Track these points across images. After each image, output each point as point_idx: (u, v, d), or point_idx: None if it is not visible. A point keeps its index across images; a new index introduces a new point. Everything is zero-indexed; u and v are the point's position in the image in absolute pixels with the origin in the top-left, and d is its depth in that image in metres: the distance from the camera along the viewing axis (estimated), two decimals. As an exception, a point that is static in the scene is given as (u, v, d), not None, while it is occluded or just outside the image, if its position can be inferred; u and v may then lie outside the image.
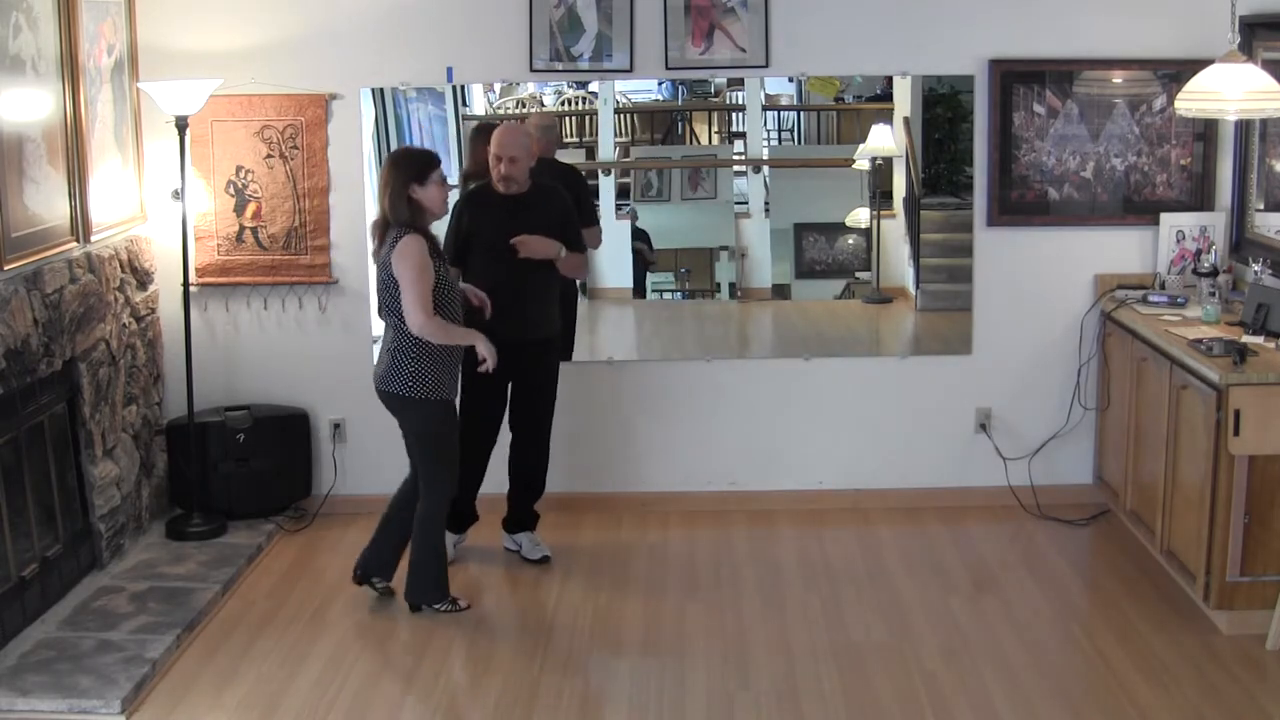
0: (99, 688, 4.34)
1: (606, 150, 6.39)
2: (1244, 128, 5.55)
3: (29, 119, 4.80)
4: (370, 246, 4.94)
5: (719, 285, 6.56)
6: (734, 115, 6.53)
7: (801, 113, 6.59)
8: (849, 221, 6.40)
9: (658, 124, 6.69)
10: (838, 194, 6.40)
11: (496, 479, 5.45)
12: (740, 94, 6.39)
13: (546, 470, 5.52)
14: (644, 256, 6.39)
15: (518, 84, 6.25)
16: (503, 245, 5.10)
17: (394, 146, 5.94)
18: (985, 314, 5.96)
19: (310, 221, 5.86)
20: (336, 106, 5.81)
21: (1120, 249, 5.88)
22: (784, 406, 6.03)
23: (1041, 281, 5.91)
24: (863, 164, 6.29)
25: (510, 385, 5.33)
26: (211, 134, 5.78)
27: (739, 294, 6.48)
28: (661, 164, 6.50)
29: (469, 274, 5.17)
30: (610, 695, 4.45)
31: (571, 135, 6.50)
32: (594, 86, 6.25)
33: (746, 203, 6.50)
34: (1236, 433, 4.55)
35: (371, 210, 5.80)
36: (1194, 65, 4.95)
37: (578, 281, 5.80)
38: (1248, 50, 5.14)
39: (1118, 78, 5.77)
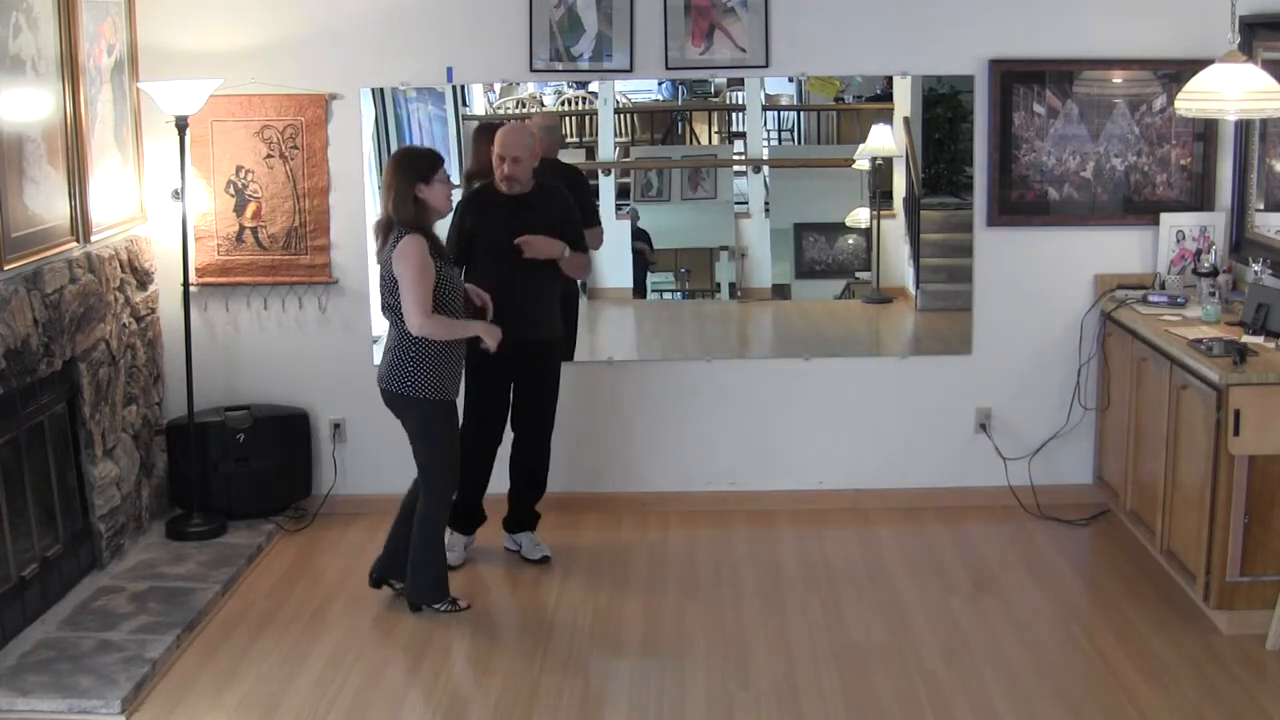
0: (99, 688, 4.34)
1: (606, 150, 6.38)
2: (1244, 128, 5.55)
3: (29, 119, 4.80)
4: (373, 246, 4.95)
5: (719, 285, 6.55)
6: (734, 115, 6.52)
7: (801, 113, 6.58)
8: (849, 221, 6.40)
9: (658, 124, 6.68)
10: (838, 194, 6.40)
11: (497, 479, 5.45)
12: (740, 94, 6.38)
13: (548, 470, 5.52)
14: (644, 256, 6.39)
15: (518, 84, 6.25)
16: (505, 245, 5.10)
17: (394, 146, 5.94)
18: (985, 314, 5.96)
19: (310, 221, 5.86)
20: (336, 106, 5.81)
21: (1120, 249, 5.88)
22: (784, 406, 6.03)
23: (1041, 281, 5.91)
24: (863, 164, 6.29)
25: (512, 385, 5.34)
26: (211, 134, 5.78)
27: (739, 294, 6.48)
28: (661, 164, 6.50)
29: (471, 274, 5.17)
30: (610, 695, 4.45)
31: (571, 135, 6.50)
32: (594, 86, 6.25)
33: (746, 203, 6.49)
34: (1236, 433, 4.55)
35: (372, 210, 5.82)
36: (1194, 65, 4.95)
37: (579, 282, 5.80)
38: (1248, 50, 5.14)
39: (1118, 78, 5.77)
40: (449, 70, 5.80)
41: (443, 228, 5.02)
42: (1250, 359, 4.65)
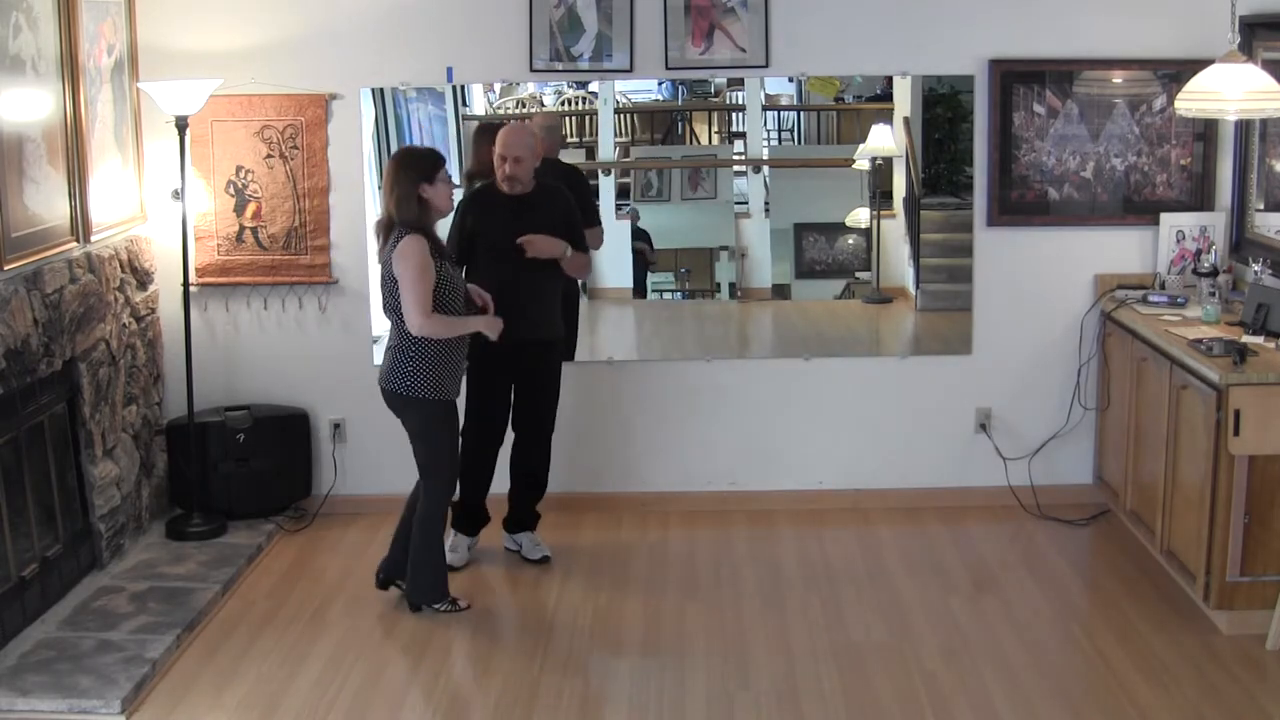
0: (99, 688, 4.34)
1: (606, 150, 6.38)
2: (1244, 128, 5.55)
3: (29, 119, 4.80)
4: (373, 246, 4.95)
5: (719, 285, 6.55)
6: (734, 115, 6.52)
7: (801, 113, 6.58)
8: (849, 221, 6.40)
9: (658, 124, 6.68)
10: (838, 194, 6.40)
11: (497, 479, 5.45)
12: (740, 94, 6.38)
13: (549, 470, 5.52)
14: (644, 256, 6.39)
15: (518, 84, 6.25)
16: (507, 245, 5.11)
17: (394, 147, 5.94)
18: (985, 314, 5.96)
19: (310, 221, 5.86)
20: (336, 106, 5.81)
21: (1120, 249, 5.88)
22: (784, 406, 6.03)
23: (1041, 281, 5.91)
24: (863, 164, 6.29)
25: (513, 385, 5.34)
26: (211, 134, 5.78)
27: (739, 294, 6.48)
28: (661, 164, 6.50)
29: (473, 274, 5.17)
30: (610, 695, 4.45)
31: (572, 135, 6.50)
32: (594, 86, 6.25)
33: (746, 203, 6.49)
34: (1236, 433, 4.55)
35: (372, 210, 5.82)
36: (1194, 65, 4.95)
37: (579, 282, 5.80)
38: (1248, 50, 5.14)
39: (1118, 78, 5.77)
40: (449, 70, 5.80)
41: (443, 228, 5.02)
42: (1250, 359, 4.65)
